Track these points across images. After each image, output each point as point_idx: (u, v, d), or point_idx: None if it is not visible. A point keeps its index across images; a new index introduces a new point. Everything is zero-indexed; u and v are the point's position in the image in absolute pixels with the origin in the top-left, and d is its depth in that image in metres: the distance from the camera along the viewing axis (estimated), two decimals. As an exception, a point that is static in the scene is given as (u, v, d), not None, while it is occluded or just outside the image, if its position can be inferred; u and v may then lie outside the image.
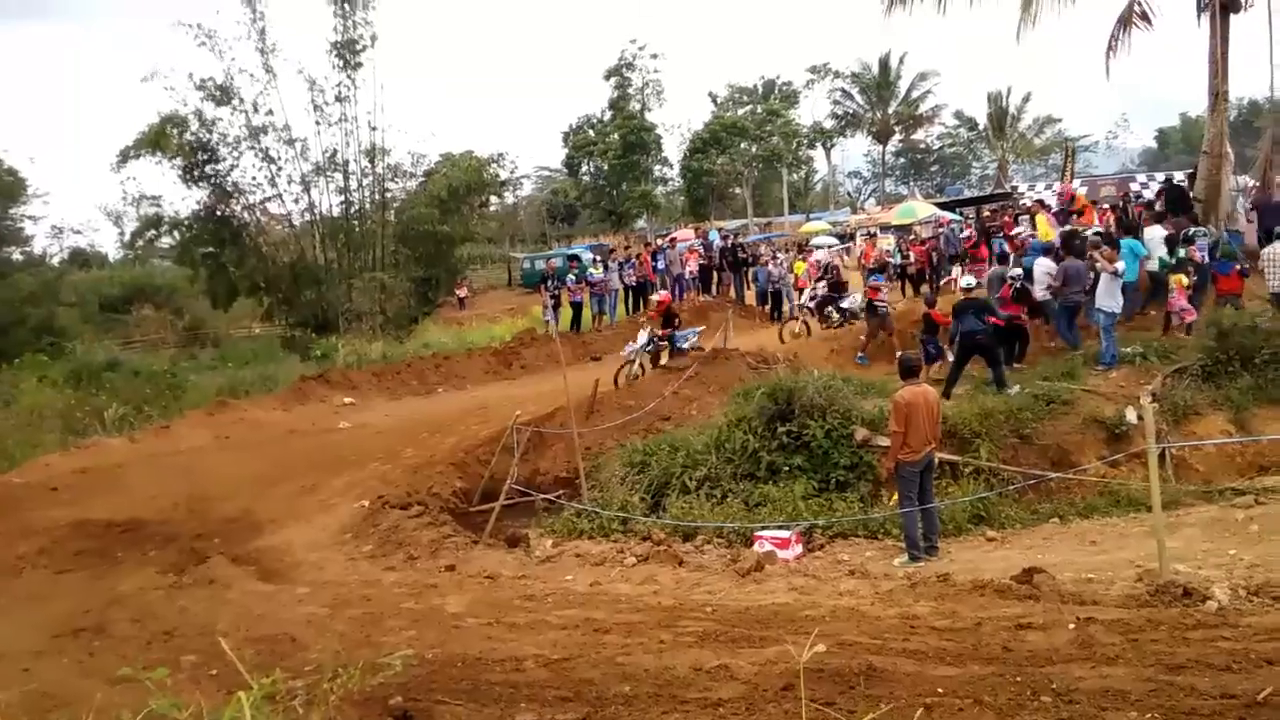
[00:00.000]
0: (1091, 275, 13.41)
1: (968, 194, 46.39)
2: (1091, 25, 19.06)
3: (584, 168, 48.49)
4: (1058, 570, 6.96)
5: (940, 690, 4.96)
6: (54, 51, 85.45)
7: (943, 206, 32.24)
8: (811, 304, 19.88)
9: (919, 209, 30.35)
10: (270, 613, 7.89)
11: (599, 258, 28.29)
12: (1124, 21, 15.51)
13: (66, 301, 36.51)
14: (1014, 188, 36.58)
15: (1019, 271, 14.34)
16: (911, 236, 25.83)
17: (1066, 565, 7.33)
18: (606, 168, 45.91)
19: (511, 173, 35.62)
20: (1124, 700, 4.62)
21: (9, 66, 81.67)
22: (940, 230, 24.59)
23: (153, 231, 30.60)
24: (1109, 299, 12.90)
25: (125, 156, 27.52)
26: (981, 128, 57.57)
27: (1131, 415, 10.92)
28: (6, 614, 8.05)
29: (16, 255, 39.40)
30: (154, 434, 14.49)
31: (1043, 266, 14.22)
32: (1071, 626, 5.71)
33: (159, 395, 18.62)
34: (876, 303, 16.71)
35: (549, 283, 23.21)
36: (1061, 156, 31.80)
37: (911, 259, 22.57)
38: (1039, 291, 14.01)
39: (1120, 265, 12.88)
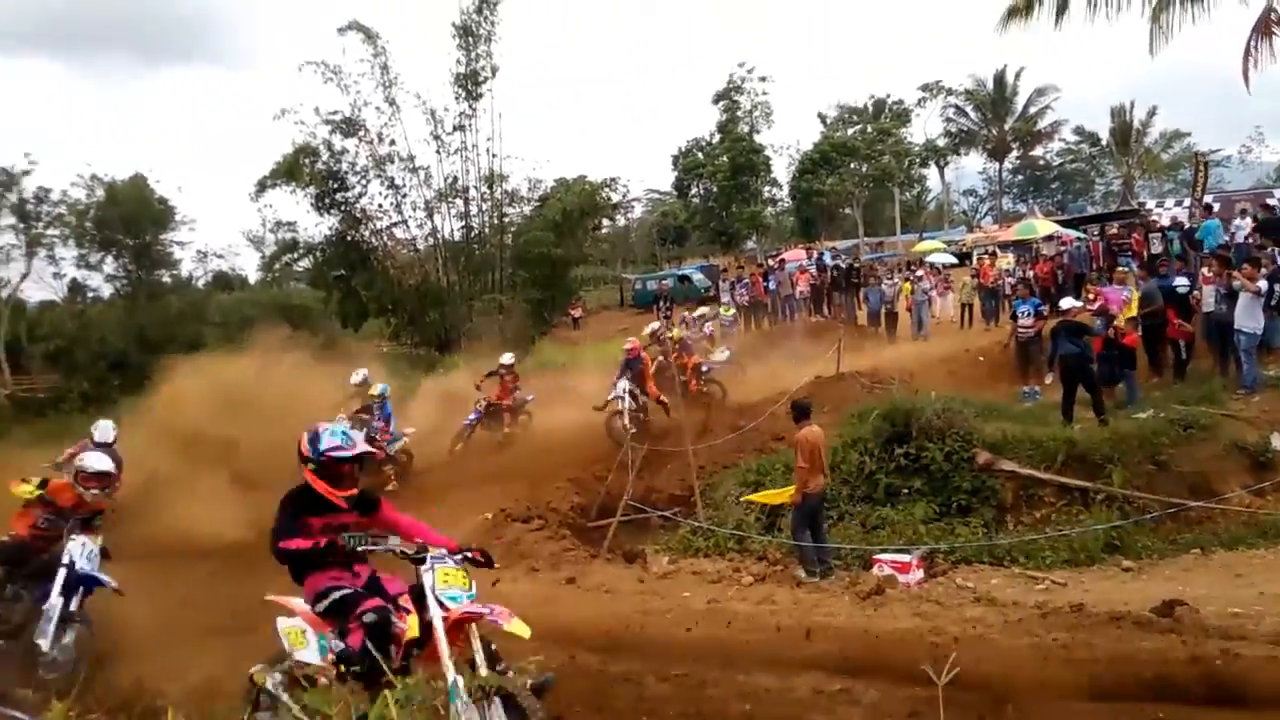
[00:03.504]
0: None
1: (1091, 211, 44.49)
2: (1223, 33, 17.83)
3: (693, 190, 48.56)
4: (1200, 603, 6.66)
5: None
6: (199, 89, 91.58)
7: (1065, 224, 31.10)
8: None
9: (1040, 226, 29.32)
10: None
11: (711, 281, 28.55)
12: (1261, 29, 14.56)
13: (211, 321, 38.86)
14: (1141, 204, 34.93)
15: (1185, 282, 13.72)
16: (1040, 255, 24.99)
17: (1209, 599, 7.00)
18: (716, 189, 45.87)
19: (623, 196, 36.18)
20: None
21: (159, 104, 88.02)
22: (1064, 249, 23.74)
23: (289, 256, 32.61)
24: (1249, 319, 12.22)
25: (263, 186, 29.41)
26: (1105, 143, 55.08)
27: (1277, 441, 10.32)
28: (170, 613, 8.59)
29: (166, 278, 42.17)
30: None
31: None
32: (1218, 663, 5.47)
33: (296, 409, 19.55)
34: (1019, 331, 15.38)
35: (661, 303, 23.50)
36: (1191, 171, 30.16)
37: (1033, 278, 21.83)
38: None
39: (1262, 284, 12.20)
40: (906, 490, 10.25)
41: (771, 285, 25.59)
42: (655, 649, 6.94)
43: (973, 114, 53.99)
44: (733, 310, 24.30)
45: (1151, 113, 50.89)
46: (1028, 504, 10.14)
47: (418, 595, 4.80)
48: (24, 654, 6.49)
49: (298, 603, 5.05)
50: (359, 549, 4.80)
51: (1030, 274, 21.39)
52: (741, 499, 10.54)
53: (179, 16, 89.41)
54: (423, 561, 4.80)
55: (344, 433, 5.12)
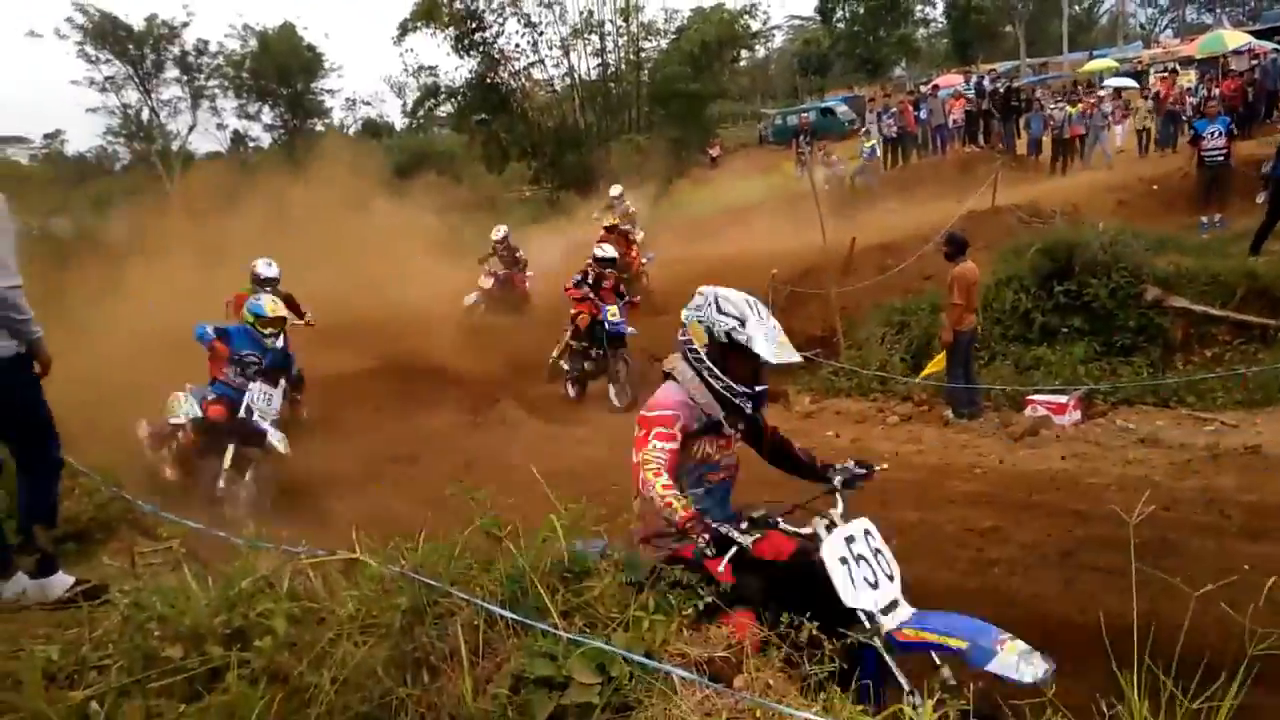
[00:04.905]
0: None
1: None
2: None
3: (838, 14, 45.61)
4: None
5: (1247, 567, 4.64)
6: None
7: (1259, 35, 27.44)
8: None
9: (1229, 38, 25.99)
10: (554, 451, 8.69)
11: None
12: None
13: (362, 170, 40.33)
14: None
15: None
16: (1228, 70, 22.30)
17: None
18: (863, 11, 42.96)
19: (763, 24, 34.34)
20: None
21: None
22: (1256, 62, 21.10)
23: (431, 101, 32.91)
24: None
25: (404, 29, 29.59)
26: (1314, -64, 47.66)
27: None
28: (341, 446, 9.08)
29: (319, 127, 43.78)
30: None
31: None
32: None
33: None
34: (1205, 155, 13.81)
35: (802, 138, 22.59)
36: None
37: (1218, 96, 19.57)
38: None
39: None
40: (1065, 329, 9.73)
41: (922, 114, 24.05)
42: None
43: (1160, -92, 47.69)
44: (873, 142, 23.01)
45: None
46: (1200, 342, 9.47)
47: None
48: (208, 497, 7.03)
49: None
50: None
51: (1215, 92, 19.21)
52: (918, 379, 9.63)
53: None
54: None
55: None
